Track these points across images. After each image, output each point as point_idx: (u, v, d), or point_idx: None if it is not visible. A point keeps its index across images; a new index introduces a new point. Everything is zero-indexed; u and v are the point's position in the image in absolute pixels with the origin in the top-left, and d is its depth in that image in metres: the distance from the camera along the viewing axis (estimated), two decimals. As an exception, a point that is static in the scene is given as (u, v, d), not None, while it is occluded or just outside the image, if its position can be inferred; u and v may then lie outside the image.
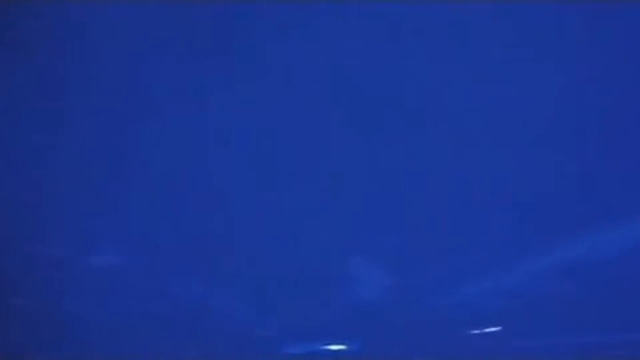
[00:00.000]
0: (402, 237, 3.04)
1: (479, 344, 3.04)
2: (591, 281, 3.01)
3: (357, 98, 3.05)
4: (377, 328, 3.08)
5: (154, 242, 3.10)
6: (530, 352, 3.02)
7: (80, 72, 3.10)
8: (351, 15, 3.00)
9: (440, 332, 3.07)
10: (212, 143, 3.10)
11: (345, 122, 3.05)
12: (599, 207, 3.01)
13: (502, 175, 3.03)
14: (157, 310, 3.12)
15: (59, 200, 3.13)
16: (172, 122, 3.10)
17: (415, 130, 3.00)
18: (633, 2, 2.95)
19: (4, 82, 3.10)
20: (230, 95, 3.11)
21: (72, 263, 3.12)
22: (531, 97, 3.02)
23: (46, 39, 3.08)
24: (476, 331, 3.08)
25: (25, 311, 3.10)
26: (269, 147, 3.07)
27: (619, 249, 2.97)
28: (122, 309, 3.09)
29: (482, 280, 3.06)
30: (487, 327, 3.05)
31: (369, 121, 3.00)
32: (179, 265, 3.08)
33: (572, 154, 3.03)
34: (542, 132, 3.01)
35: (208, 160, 3.11)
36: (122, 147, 3.10)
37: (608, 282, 3.00)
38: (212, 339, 3.11)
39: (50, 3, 3.05)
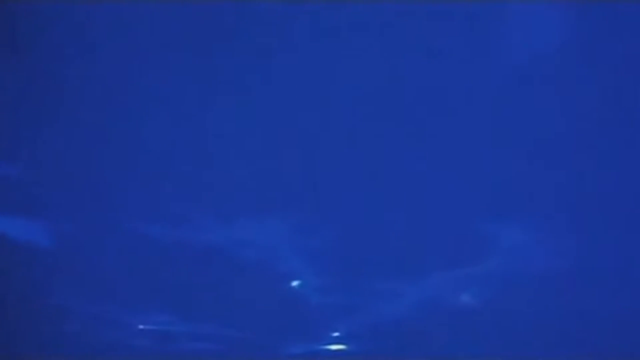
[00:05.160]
0: (400, 240, 3.05)
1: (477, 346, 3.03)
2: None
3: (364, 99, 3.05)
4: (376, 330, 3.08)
5: (153, 241, 3.09)
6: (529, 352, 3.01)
7: (79, 71, 3.10)
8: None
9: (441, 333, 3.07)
10: (211, 145, 3.11)
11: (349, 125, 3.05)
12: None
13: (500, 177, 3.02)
14: (154, 309, 3.12)
15: (56, 197, 3.13)
16: (170, 120, 3.10)
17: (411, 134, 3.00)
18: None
19: (4, 80, 3.11)
20: (233, 97, 3.11)
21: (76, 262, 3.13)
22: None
23: (46, 39, 3.08)
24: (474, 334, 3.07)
25: (24, 311, 3.10)
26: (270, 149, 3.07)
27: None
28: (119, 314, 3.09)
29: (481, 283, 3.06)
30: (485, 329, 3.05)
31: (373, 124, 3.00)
32: (181, 266, 3.08)
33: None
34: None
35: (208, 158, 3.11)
36: (121, 146, 3.10)
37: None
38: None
39: (50, 3, 3.06)
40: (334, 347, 3.19)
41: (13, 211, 3.18)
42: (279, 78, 3.12)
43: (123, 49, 3.11)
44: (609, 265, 3.06)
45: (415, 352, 3.11)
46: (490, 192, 3.08)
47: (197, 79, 3.10)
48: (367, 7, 3.04)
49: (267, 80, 3.14)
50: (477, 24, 3.05)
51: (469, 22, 3.06)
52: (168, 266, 3.22)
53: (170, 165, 3.20)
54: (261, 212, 3.14)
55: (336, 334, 3.22)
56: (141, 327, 3.20)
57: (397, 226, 3.15)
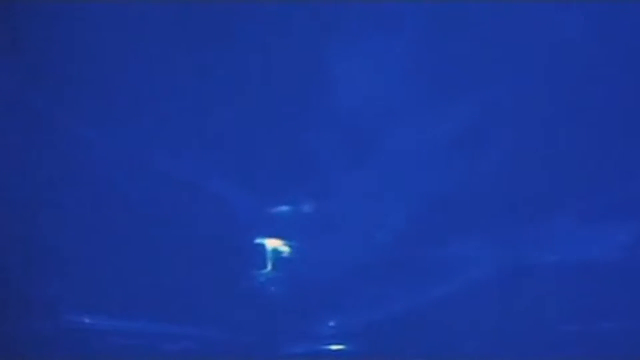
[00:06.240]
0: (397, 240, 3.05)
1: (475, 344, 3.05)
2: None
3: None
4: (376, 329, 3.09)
5: (148, 241, 3.10)
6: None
7: (79, 71, 3.10)
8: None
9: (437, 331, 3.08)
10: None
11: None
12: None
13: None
14: (157, 314, 3.12)
15: (53, 197, 3.13)
16: (172, 120, 3.10)
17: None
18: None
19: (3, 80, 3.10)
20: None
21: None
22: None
23: (46, 38, 3.07)
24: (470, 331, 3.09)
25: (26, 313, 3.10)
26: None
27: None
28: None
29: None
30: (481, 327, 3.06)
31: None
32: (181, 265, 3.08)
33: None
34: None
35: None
36: (121, 145, 3.10)
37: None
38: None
39: (50, 3, 3.05)
40: (334, 347, 3.20)
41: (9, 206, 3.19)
42: (277, 77, 3.12)
43: (123, 48, 3.10)
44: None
45: (414, 352, 3.13)
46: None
47: (199, 80, 3.11)
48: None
49: (266, 78, 3.15)
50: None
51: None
52: (166, 266, 3.22)
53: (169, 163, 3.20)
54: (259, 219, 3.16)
55: (336, 333, 3.23)
56: (135, 327, 3.21)
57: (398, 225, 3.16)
